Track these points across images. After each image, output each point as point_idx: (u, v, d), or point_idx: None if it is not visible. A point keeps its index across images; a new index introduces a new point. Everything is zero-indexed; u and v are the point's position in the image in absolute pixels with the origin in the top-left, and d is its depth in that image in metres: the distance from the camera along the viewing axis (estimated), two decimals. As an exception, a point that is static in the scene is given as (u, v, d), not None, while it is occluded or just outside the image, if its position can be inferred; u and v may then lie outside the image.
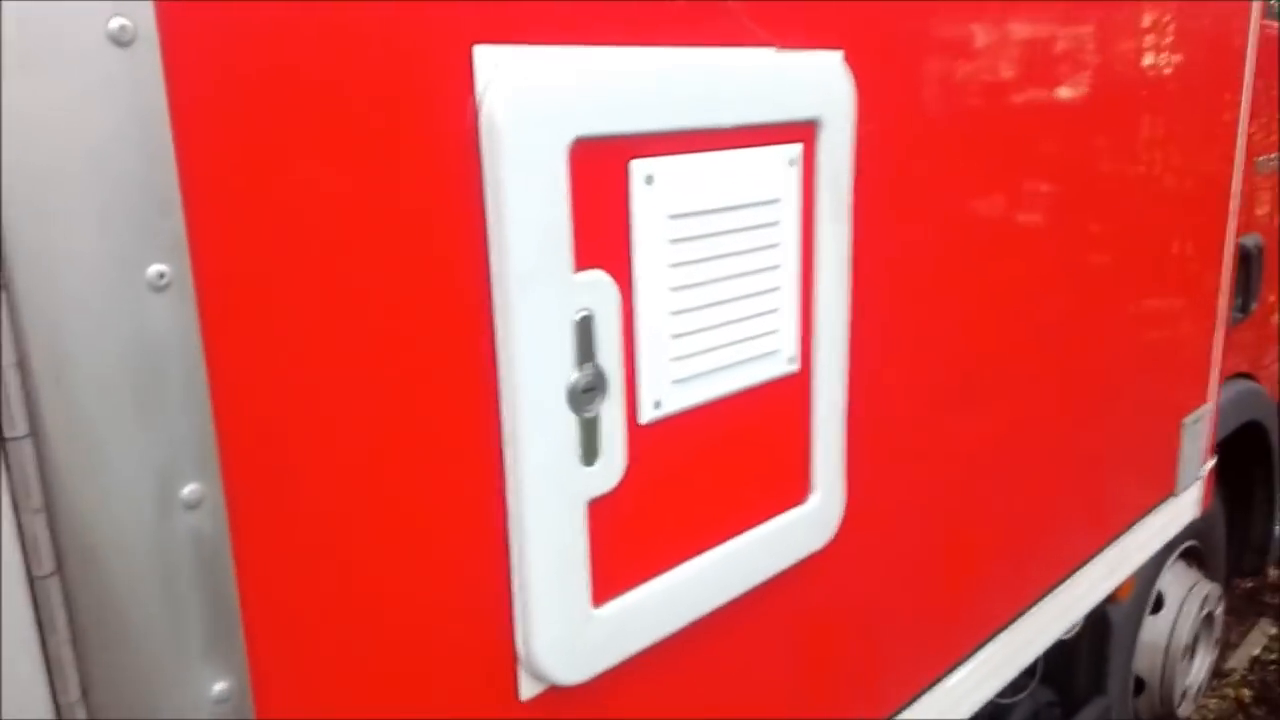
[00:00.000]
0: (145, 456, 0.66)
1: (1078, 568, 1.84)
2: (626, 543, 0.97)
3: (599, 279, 0.90)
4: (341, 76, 0.73)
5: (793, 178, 1.06)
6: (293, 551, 0.76)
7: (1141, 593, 2.44)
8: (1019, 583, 1.70)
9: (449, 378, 0.84)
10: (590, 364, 0.90)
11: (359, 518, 0.80)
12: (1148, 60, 1.69)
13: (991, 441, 1.52)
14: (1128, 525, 1.99)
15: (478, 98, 0.81)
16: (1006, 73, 1.37)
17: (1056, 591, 1.78)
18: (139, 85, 0.63)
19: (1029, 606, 1.71)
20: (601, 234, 0.90)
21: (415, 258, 0.79)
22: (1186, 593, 2.62)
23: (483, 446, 0.87)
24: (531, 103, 0.82)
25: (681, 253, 0.96)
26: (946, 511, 1.46)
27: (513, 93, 0.81)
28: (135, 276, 0.64)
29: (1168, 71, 1.75)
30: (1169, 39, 1.73)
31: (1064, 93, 1.50)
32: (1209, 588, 2.70)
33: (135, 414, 0.65)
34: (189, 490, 0.68)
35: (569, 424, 0.90)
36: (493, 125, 0.81)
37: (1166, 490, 2.10)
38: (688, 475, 1.03)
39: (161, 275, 0.65)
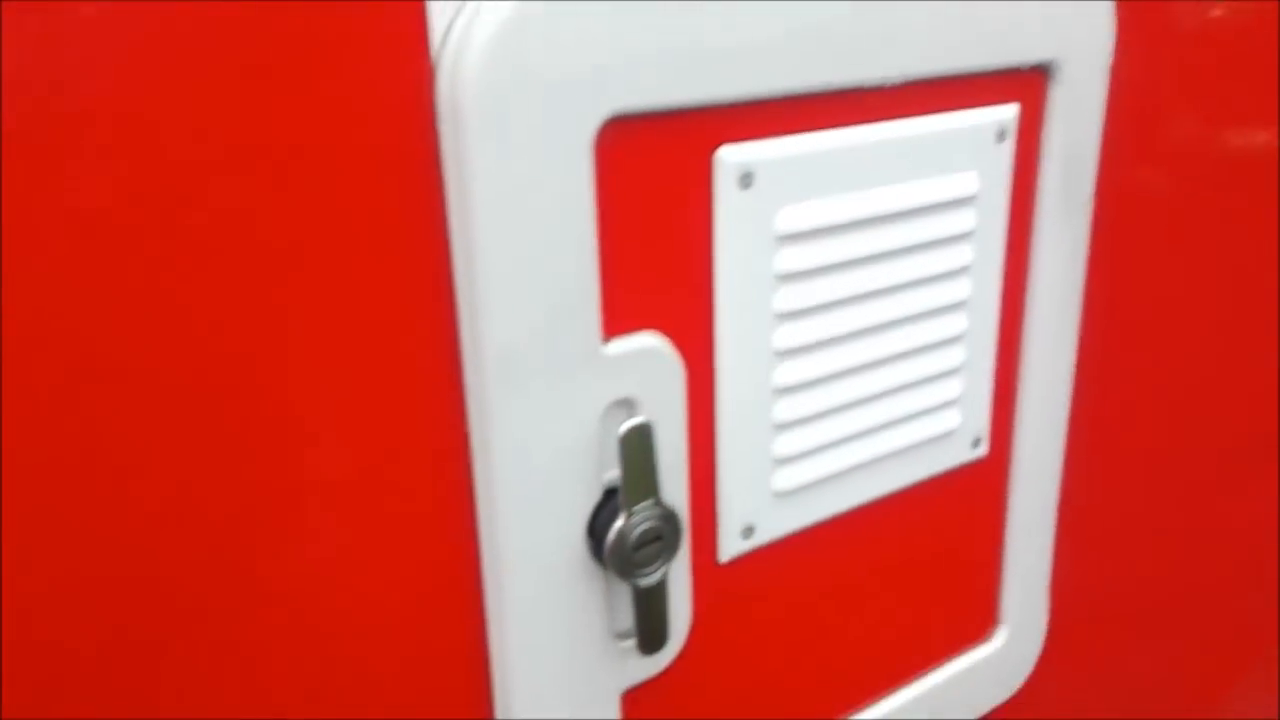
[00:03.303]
0: None
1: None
2: (692, 735, 0.63)
3: (648, 348, 0.54)
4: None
5: (1001, 160, 0.66)
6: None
7: None
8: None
9: (390, 542, 0.51)
10: (649, 504, 0.55)
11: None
12: None
13: (1268, 542, 1.07)
14: None
15: (433, 56, 0.45)
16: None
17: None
18: None
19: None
20: (656, 274, 0.54)
21: (322, 328, 0.46)
22: None
23: (453, 635, 0.54)
24: (526, 59, 0.46)
25: (797, 296, 0.59)
26: (1193, 647, 1.03)
27: (490, 46, 0.45)
28: None
29: None
30: None
31: None
32: None
33: None
34: None
35: (594, 587, 0.56)
36: (456, 105, 0.45)
37: None
38: (795, 629, 0.67)
39: None
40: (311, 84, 0.43)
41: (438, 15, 0.45)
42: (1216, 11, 0.78)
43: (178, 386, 0.43)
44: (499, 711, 0.56)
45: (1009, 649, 0.79)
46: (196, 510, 0.45)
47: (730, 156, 0.54)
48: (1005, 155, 0.66)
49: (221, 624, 0.47)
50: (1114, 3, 0.66)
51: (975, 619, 0.78)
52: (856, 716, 0.72)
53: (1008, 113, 0.65)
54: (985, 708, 0.80)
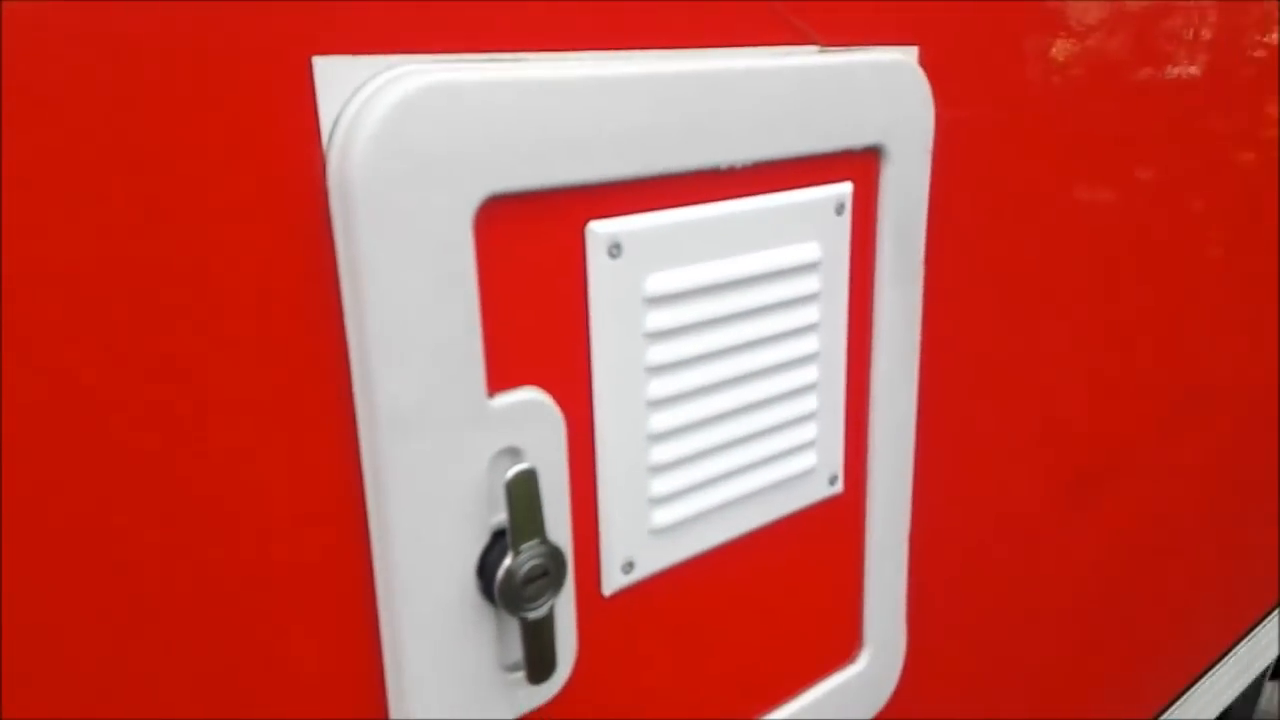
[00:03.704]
0: None
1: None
2: (582, 759, 0.69)
3: (530, 401, 0.61)
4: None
5: (840, 231, 0.75)
6: None
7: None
8: None
9: (290, 597, 0.55)
10: (535, 543, 0.60)
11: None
12: None
13: (1104, 565, 1.18)
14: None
15: (324, 143, 0.52)
16: (1165, 69, 1.02)
17: None
18: None
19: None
20: (536, 335, 0.61)
21: (218, 397, 0.51)
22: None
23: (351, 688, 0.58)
24: (409, 146, 0.52)
25: (665, 351, 0.66)
26: (1040, 663, 1.13)
27: (376, 134, 0.51)
28: None
29: None
30: None
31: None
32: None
33: None
34: None
35: (485, 623, 0.61)
36: (345, 187, 0.51)
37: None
38: (674, 657, 0.73)
39: None
40: (210, 172, 0.48)
41: (327, 107, 0.51)
42: (1023, 92, 0.89)
43: (81, 466, 0.47)
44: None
45: (872, 669, 0.86)
46: (102, 552, 0.49)
47: (600, 229, 0.61)
48: (844, 226, 0.75)
49: (115, 674, 0.51)
50: (931, 93, 0.76)
51: (841, 642, 0.85)
52: (735, 738, 0.78)
53: (844, 189, 0.74)
54: (853, 727, 0.87)
